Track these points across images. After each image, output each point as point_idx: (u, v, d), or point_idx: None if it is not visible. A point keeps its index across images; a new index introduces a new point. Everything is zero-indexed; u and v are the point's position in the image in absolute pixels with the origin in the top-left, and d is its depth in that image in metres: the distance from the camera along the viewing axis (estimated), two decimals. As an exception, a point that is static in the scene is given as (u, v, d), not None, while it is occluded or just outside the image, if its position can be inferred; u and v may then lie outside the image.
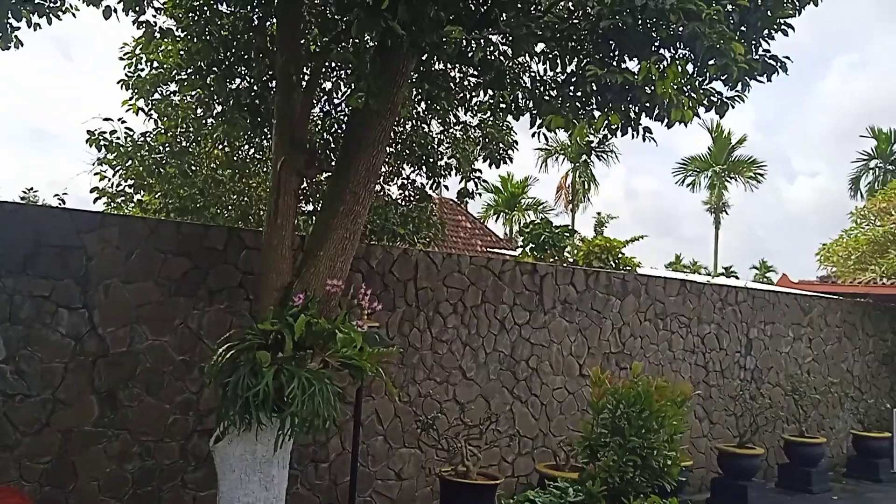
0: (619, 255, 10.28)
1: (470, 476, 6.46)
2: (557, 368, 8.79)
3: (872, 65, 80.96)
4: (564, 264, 9.80)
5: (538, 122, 5.47)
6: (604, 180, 76.25)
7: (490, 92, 6.07)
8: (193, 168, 7.95)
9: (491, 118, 8.76)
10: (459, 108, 8.20)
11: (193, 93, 7.06)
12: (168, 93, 7.95)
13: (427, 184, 9.59)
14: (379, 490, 7.13)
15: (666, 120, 5.23)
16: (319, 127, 7.59)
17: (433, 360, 7.63)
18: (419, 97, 7.74)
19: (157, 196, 7.95)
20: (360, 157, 5.72)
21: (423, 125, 9.05)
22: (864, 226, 13.72)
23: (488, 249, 17.38)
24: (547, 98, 5.37)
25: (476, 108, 7.92)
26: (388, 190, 9.71)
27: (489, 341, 8.16)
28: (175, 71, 7.24)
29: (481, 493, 6.44)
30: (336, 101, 7.83)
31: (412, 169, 9.54)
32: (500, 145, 9.21)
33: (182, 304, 6.10)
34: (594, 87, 4.92)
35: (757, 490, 9.13)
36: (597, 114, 5.67)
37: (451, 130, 9.27)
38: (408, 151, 9.05)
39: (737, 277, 36.18)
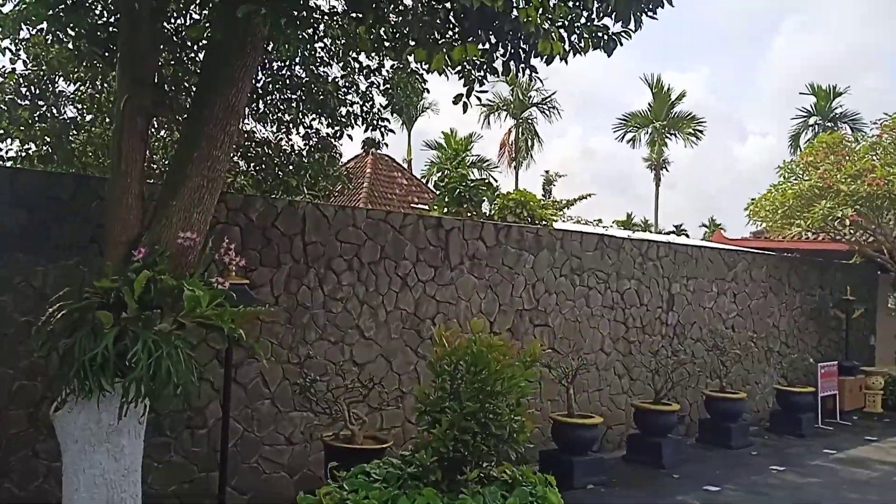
0: (536, 210, 9.90)
1: (356, 441, 6.07)
2: (466, 326, 8.41)
3: (821, 25, 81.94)
4: (474, 218, 9.38)
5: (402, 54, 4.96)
6: (560, 140, 76.15)
7: (357, 22, 5.49)
8: (52, 111, 7.27)
9: (394, 62, 8.21)
10: (326, 40, 7.59)
11: (43, 26, 6.34)
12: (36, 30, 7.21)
13: (331, 133, 9.06)
14: (267, 456, 6.70)
15: (540, 55, 4.79)
16: (174, 65, 6.91)
17: (326, 320, 7.17)
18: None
19: (14, 142, 7.26)
20: (217, 96, 5.17)
21: (324, 69, 8.46)
22: (791, 180, 13.58)
23: (414, 206, 16.93)
24: (407, 28, 4.85)
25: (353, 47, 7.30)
26: (291, 140, 9.15)
27: (390, 299, 7.72)
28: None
29: (368, 458, 6.04)
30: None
31: (314, 117, 8.98)
32: (408, 92, 8.70)
33: (22, 261, 5.51)
34: (452, 14, 4.44)
35: (672, 446, 8.97)
36: (481, 50, 5.21)
37: (354, 77, 8.71)
38: (307, 98, 8.47)
39: (687, 235, 36.45)
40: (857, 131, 24.59)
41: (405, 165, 35.22)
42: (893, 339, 14.41)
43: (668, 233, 40.02)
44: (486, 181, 10.49)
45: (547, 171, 38.64)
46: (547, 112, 37.17)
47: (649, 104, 37.10)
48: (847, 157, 12.71)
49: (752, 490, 8.02)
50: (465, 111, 5.23)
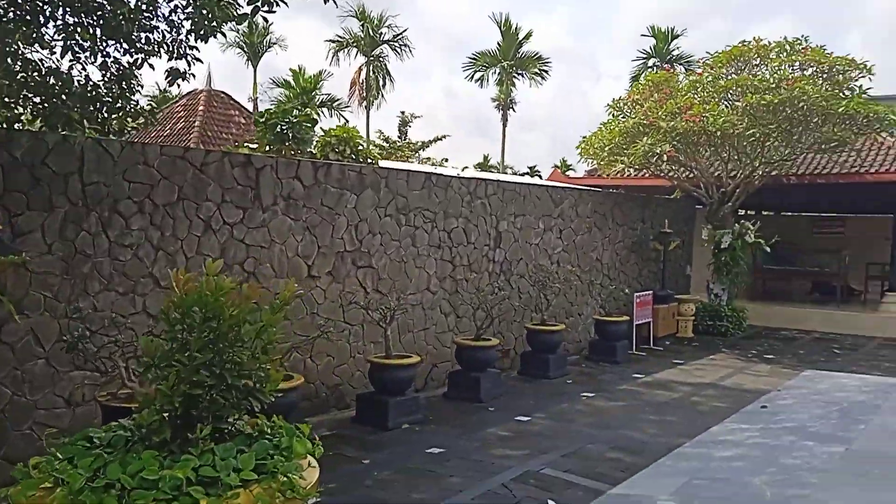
0: (360, 148, 9.55)
1: (136, 399, 5.62)
2: (281, 271, 8.05)
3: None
4: (295, 156, 8.91)
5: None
6: (425, 82, 75.31)
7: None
8: None
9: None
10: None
11: None
12: None
13: (130, 62, 8.16)
14: (41, 420, 6.11)
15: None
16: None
17: (113, 269, 6.55)
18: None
19: None
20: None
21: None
22: (620, 118, 14.07)
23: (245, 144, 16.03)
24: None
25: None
26: (86, 70, 8.16)
27: (191, 244, 7.18)
28: None
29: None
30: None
31: (112, 45, 8.03)
32: (212, 16, 7.93)
33: None
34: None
35: (492, 380, 9.21)
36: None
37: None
38: (102, 22, 7.51)
39: (540, 176, 37.43)
40: (689, 72, 25.89)
41: (251, 104, 33.44)
42: (706, 269, 15.57)
43: (523, 174, 41.00)
44: (310, 116, 9.93)
45: (403, 112, 38.16)
46: (398, 50, 36.35)
47: (498, 44, 37.13)
48: (670, 96, 13.27)
49: (560, 417, 8.41)
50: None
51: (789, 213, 26.02)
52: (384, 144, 34.48)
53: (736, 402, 9.25)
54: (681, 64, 33.69)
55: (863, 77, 12.76)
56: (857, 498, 5.85)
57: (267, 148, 10.00)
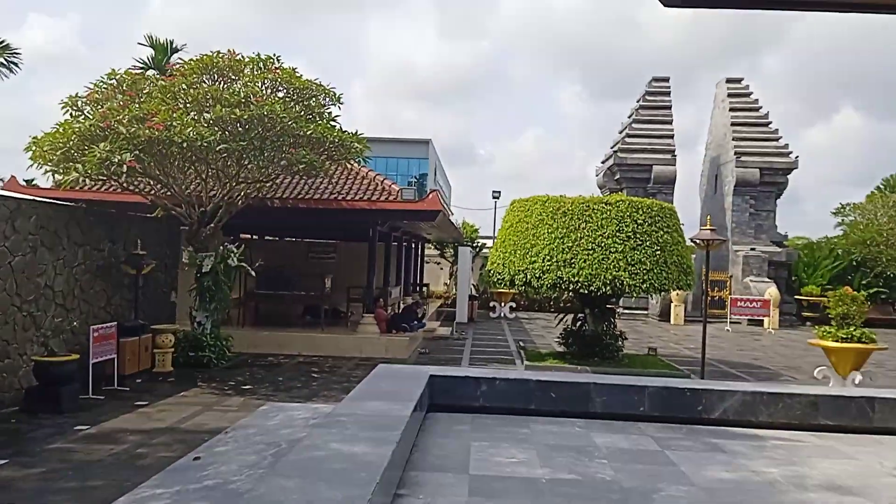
0: None
1: None
2: None
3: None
4: None
5: None
6: None
7: None
8: None
9: None
10: None
11: None
12: None
13: None
14: None
15: None
16: None
17: None
18: None
19: None
20: None
21: None
22: (79, 118, 11.88)
23: None
24: None
25: None
26: None
27: None
28: None
29: None
30: None
31: None
32: None
33: None
34: None
35: None
36: None
37: None
38: None
39: None
40: (160, 78, 24.54)
41: None
42: (188, 295, 14.29)
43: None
44: None
45: None
46: None
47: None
48: (135, 99, 11.64)
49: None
50: None
51: (292, 238, 26.79)
52: None
53: (188, 449, 8.00)
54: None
55: (332, 105, 13.18)
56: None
57: None
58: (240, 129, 11.96)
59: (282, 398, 10.98)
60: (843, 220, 39.17)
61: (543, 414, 5.97)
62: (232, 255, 13.79)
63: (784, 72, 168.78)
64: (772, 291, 28.86)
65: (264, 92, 12.74)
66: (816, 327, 12.48)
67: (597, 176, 36.65)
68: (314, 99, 12.85)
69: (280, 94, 12.71)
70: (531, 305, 33.02)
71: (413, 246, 30.38)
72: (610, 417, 5.99)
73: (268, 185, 14.24)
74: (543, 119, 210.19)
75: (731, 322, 28.07)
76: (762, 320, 28.25)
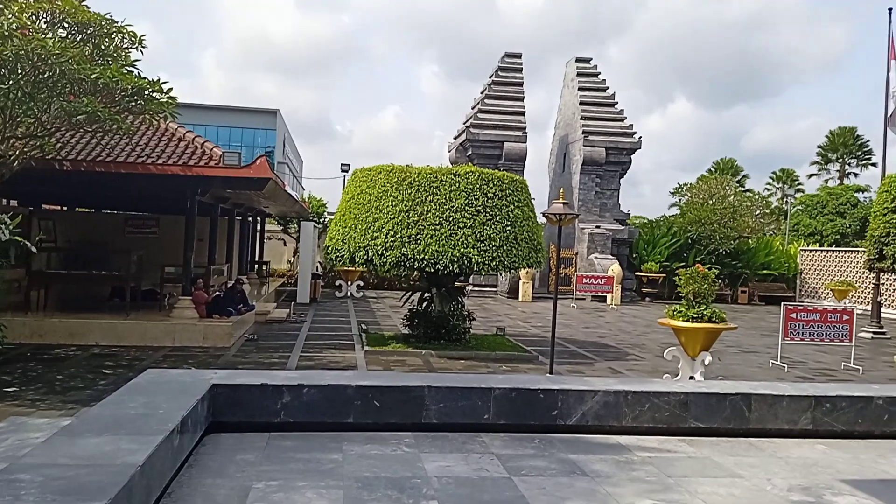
0: None
1: None
2: None
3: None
4: None
5: None
6: None
7: None
8: None
9: None
10: None
11: None
12: None
13: None
14: None
15: None
16: None
17: None
18: None
19: None
20: None
21: None
22: None
23: None
24: None
25: None
26: None
27: None
28: None
29: None
30: None
31: None
32: None
33: None
34: None
35: None
36: None
37: None
38: None
39: None
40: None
41: None
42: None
43: None
44: None
45: None
46: None
47: None
48: None
49: None
50: None
51: (112, 211, 23.58)
52: None
53: None
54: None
55: (134, 48, 10.92)
56: None
57: None
58: (3, 70, 9.50)
59: (50, 403, 8.81)
60: (679, 200, 41.16)
61: (364, 428, 4.60)
62: (3, 227, 11.20)
63: (629, 60, 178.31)
64: (615, 268, 29.39)
65: (41, 26, 10.28)
66: (661, 304, 12.10)
67: (449, 152, 35.85)
68: (108, 38, 10.54)
69: (62, 33, 10.30)
70: (380, 284, 31.72)
71: (251, 220, 28.00)
72: (448, 429, 4.69)
73: (51, 141, 11.72)
74: (403, 97, 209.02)
75: (576, 299, 28.29)
76: (605, 297, 28.71)
